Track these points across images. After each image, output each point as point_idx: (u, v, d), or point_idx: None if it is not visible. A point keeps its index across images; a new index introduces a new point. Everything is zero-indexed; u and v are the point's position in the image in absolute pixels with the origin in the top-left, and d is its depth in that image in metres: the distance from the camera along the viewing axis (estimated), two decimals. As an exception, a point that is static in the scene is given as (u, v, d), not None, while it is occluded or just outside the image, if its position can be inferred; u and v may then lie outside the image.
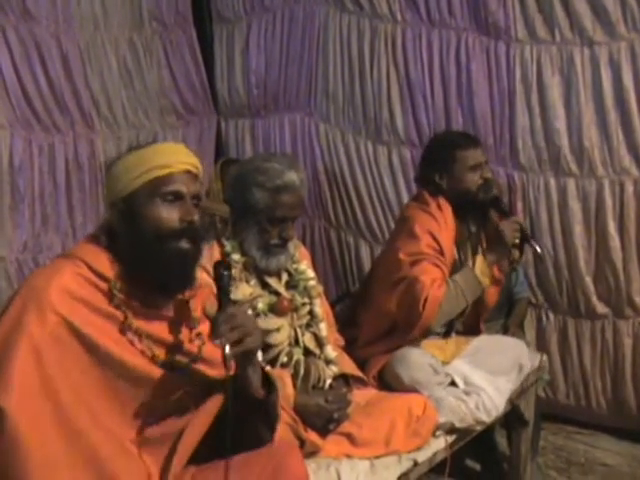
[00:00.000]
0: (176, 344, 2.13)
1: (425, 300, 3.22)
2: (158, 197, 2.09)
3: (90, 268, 2.04)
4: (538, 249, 3.46)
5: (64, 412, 1.88)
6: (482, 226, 3.55)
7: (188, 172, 2.18)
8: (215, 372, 2.18)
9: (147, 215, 2.08)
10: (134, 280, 2.08)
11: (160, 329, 2.12)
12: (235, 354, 1.98)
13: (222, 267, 2.13)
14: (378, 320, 3.45)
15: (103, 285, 2.04)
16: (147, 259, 2.06)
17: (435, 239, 3.38)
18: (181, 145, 2.27)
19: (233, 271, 2.40)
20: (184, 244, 2.09)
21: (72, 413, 1.89)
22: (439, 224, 3.42)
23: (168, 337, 2.13)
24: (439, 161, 3.54)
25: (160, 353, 2.09)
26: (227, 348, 1.96)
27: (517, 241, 3.42)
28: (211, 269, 2.16)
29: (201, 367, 2.17)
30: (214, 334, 1.98)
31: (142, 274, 2.08)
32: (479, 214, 3.53)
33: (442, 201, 3.49)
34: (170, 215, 2.08)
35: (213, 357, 2.17)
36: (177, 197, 2.11)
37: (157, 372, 2.07)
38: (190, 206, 2.13)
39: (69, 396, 1.89)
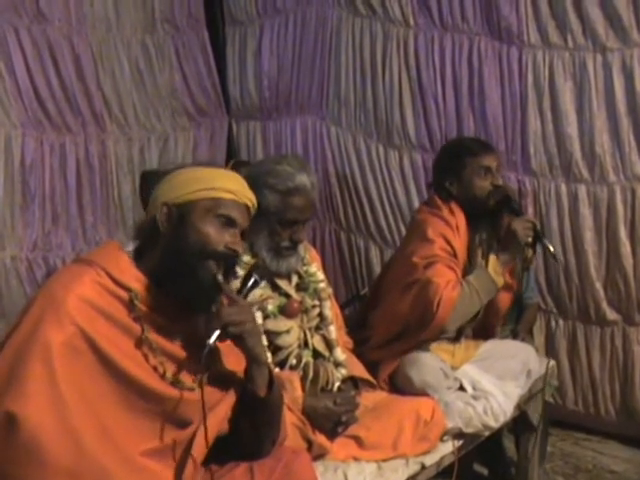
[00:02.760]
0: (188, 362, 2.13)
1: (439, 301, 3.20)
2: (214, 215, 2.11)
3: (111, 277, 2.03)
4: (551, 248, 3.38)
5: (71, 424, 1.86)
6: (494, 231, 3.51)
7: (247, 207, 2.22)
8: (223, 391, 2.20)
9: (198, 228, 2.09)
10: (158, 291, 2.08)
11: (175, 345, 2.12)
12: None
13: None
14: (389, 323, 3.43)
15: (123, 295, 2.03)
16: (180, 270, 2.07)
17: (448, 242, 3.37)
18: (244, 180, 2.27)
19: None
20: (218, 273, 2.10)
21: (79, 426, 1.88)
22: (452, 228, 3.41)
23: (181, 353, 2.13)
24: (449, 167, 3.54)
25: (171, 370, 2.09)
26: (213, 337, 2.04)
27: (530, 240, 3.37)
28: None
29: (209, 386, 2.16)
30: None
31: (169, 285, 2.08)
32: (491, 220, 3.50)
33: (454, 206, 3.48)
34: (219, 236, 2.10)
35: (222, 376, 2.20)
36: (230, 223, 2.13)
37: (168, 389, 2.07)
38: (238, 237, 2.16)
39: (78, 408, 1.88)
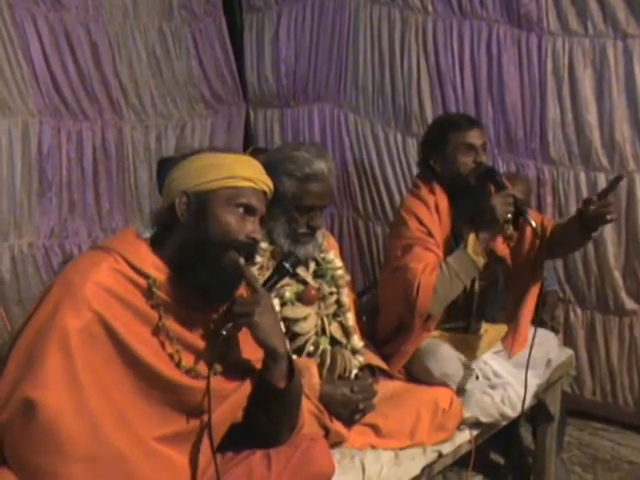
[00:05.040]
0: (204, 351, 2.13)
1: (418, 287, 3.13)
2: (234, 205, 2.10)
3: (129, 264, 2.03)
4: (533, 224, 3.21)
5: (89, 410, 1.87)
6: (479, 208, 3.31)
7: (264, 193, 2.21)
8: (239, 380, 2.20)
9: (219, 218, 2.08)
10: (176, 279, 2.08)
11: (192, 334, 2.12)
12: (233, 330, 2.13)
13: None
14: (386, 314, 3.42)
15: (142, 282, 2.03)
16: (201, 260, 2.06)
17: (421, 222, 3.29)
18: (260, 164, 2.26)
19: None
20: (240, 258, 2.10)
21: (97, 412, 1.89)
22: (428, 207, 3.33)
23: (198, 342, 2.13)
24: (433, 144, 3.44)
25: (187, 358, 2.09)
26: (226, 327, 2.09)
27: (509, 216, 3.23)
28: None
29: (224, 376, 2.17)
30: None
31: (188, 273, 2.07)
32: (476, 198, 3.34)
33: (436, 186, 3.39)
34: (240, 226, 2.10)
35: (238, 366, 2.20)
36: (250, 211, 2.13)
37: (182, 378, 2.07)
38: (258, 225, 2.16)
39: (96, 393, 1.89)
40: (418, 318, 3.20)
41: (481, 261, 3.21)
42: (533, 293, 3.54)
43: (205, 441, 2.09)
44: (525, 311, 3.54)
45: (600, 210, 3.11)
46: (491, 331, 3.54)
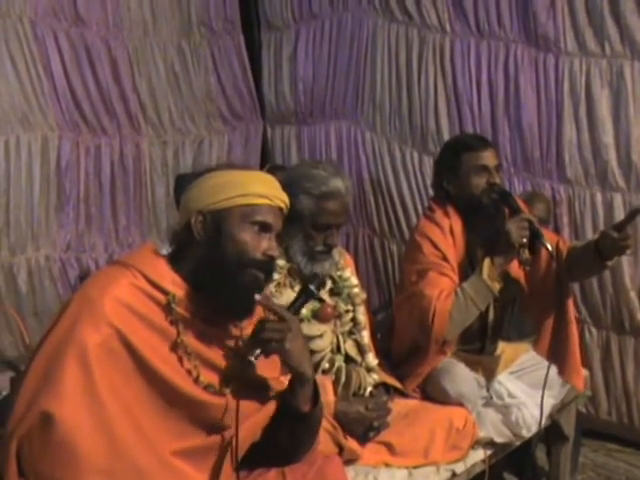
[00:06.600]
0: (223, 367, 2.13)
1: (434, 314, 3.12)
2: (249, 223, 2.09)
3: (147, 280, 2.03)
4: (549, 247, 3.14)
5: (107, 425, 1.87)
6: (494, 232, 3.28)
7: (280, 209, 2.20)
8: (259, 399, 2.19)
9: (235, 237, 2.07)
10: (195, 295, 2.07)
11: (210, 350, 2.11)
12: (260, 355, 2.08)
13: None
14: (401, 337, 3.42)
15: (160, 298, 2.03)
16: (219, 278, 2.05)
17: (435, 246, 3.27)
18: (275, 180, 2.25)
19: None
20: (259, 275, 2.10)
21: (115, 426, 1.89)
22: (442, 231, 3.31)
23: (216, 358, 2.12)
24: (446, 165, 3.41)
25: (206, 374, 2.08)
26: (255, 353, 2.05)
27: (524, 241, 3.16)
28: None
29: (244, 394, 2.15)
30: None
31: (207, 291, 2.07)
32: (491, 219, 3.31)
33: (450, 208, 3.37)
34: (256, 244, 2.09)
35: (256, 384, 2.19)
36: (266, 229, 2.12)
37: (201, 394, 2.06)
38: (274, 241, 2.15)
39: (114, 407, 1.89)
40: (434, 344, 3.19)
41: (497, 286, 3.19)
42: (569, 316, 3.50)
43: (228, 459, 2.09)
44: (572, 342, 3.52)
45: (618, 244, 3.11)
46: (508, 350, 3.52)
